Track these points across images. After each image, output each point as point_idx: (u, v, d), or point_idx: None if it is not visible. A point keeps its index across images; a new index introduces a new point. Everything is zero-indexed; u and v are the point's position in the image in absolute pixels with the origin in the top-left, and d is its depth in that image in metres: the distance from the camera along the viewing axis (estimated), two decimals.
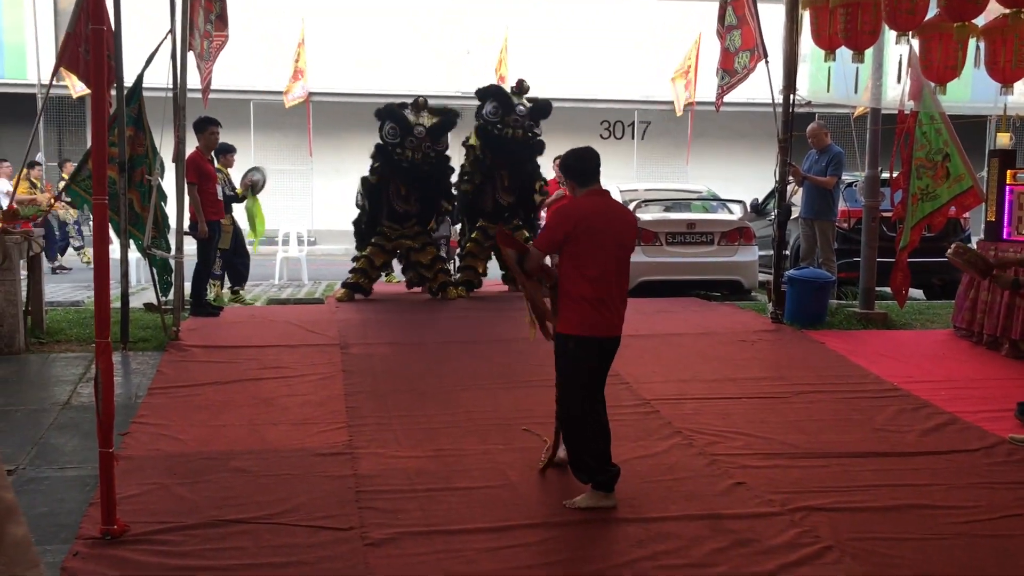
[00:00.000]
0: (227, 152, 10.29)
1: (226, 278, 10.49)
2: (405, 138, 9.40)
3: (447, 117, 9.64)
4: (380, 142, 9.62)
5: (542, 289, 4.53)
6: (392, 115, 9.48)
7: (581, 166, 4.43)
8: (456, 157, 10.32)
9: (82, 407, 5.86)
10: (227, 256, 10.18)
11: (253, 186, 10.69)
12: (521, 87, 9.98)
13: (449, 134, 9.88)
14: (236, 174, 10.62)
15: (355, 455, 4.96)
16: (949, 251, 5.48)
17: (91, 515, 4.06)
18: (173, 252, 8.04)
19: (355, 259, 10.21)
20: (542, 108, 10.02)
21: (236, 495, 4.38)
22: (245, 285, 10.65)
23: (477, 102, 10.03)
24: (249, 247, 10.88)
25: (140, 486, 4.44)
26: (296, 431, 5.38)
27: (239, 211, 10.52)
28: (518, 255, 4.49)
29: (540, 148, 10.19)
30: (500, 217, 10.25)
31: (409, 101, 9.73)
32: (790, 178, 9.07)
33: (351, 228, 10.55)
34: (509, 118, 9.71)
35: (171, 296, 8.12)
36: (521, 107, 9.77)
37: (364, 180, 10.01)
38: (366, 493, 4.42)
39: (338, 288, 10.27)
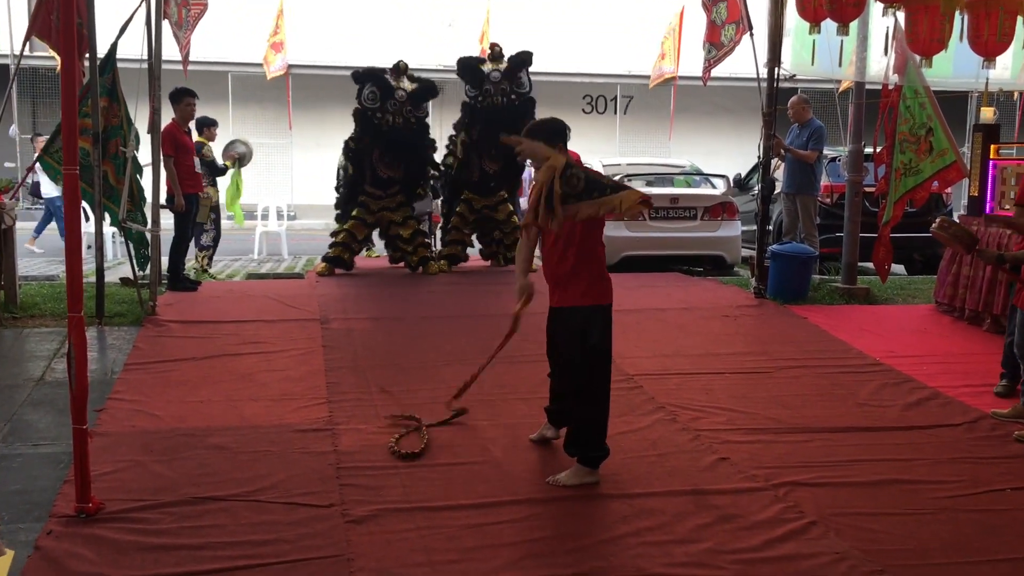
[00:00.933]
0: (210, 126, 10.19)
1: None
2: (386, 102, 9.26)
3: (428, 86, 9.53)
4: (359, 107, 9.42)
5: None
6: (372, 77, 9.31)
7: (560, 127, 4.28)
8: (442, 135, 10.17)
9: (56, 383, 5.76)
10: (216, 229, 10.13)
11: (241, 159, 10.55)
12: (493, 51, 9.80)
13: (440, 117, 9.76)
14: (217, 148, 10.49)
15: (335, 431, 4.90)
16: (934, 225, 5.41)
17: (65, 493, 3.97)
18: (149, 225, 7.91)
19: (334, 233, 10.07)
20: (520, 61, 9.63)
21: (214, 472, 4.31)
22: (211, 262, 10.53)
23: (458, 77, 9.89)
24: (230, 220, 10.76)
25: (115, 463, 4.36)
26: (275, 407, 5.31)
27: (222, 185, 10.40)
28: None
29: (530, 107, 9.68)
30: (486, 188, 10.04)
31: (387, 67, 9.57)
32: (773, 153, 9.02)
33: (332, 202, 10.38)
34: (483, 88, 9.54)
35: (147, 270, 8.00)
36: (495, 73, 9.54)
37: (346, 145, 9.81)
38: (347, 469, 4.36)
39: (319, 262, 10.15)
